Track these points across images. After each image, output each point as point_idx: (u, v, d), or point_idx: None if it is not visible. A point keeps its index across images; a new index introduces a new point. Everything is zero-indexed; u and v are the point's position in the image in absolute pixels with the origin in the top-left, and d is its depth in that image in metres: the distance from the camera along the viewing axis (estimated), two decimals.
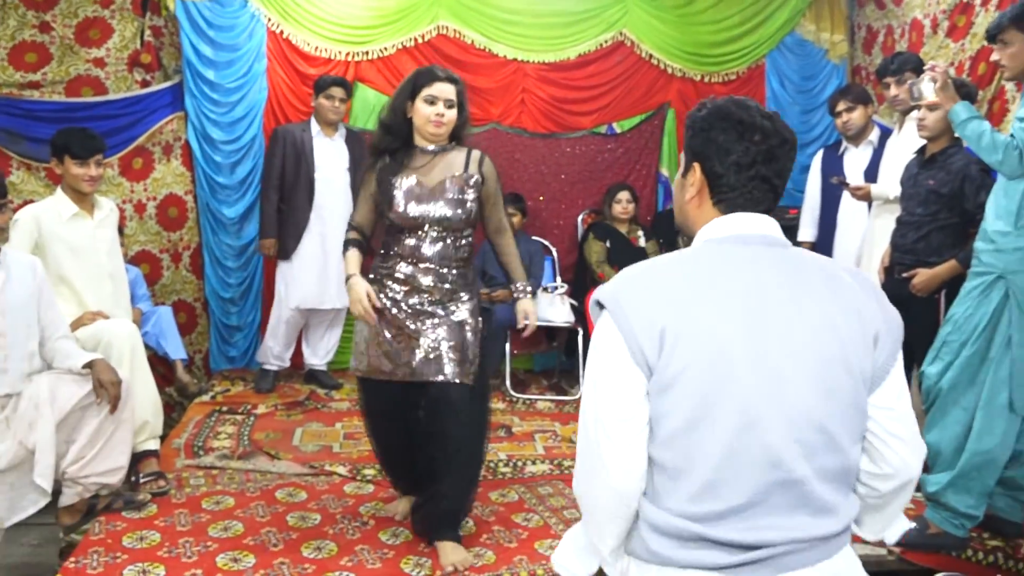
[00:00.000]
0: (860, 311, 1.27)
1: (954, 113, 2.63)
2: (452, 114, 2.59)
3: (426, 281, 2.62)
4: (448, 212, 2.59)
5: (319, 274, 4.27)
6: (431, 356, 2.58)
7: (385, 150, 2.66)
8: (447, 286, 2.63)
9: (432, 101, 2.55)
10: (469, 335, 2.63)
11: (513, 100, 4.93)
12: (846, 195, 3.87)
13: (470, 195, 2.62)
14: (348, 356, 4.68)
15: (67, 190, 3.16)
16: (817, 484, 1.24)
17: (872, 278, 3.45)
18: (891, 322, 1.31)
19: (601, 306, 1.30)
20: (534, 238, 4.90)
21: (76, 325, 3.02)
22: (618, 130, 5.11)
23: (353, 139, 4.37)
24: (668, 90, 5.10)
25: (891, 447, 1.31)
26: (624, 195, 4.71)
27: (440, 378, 2.56)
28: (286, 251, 4.27)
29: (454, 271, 2.65)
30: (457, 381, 2.57)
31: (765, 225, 1.34)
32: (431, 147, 2.64)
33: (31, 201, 4.10)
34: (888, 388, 1.29)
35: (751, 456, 1.22)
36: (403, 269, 2.63)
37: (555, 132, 5.01)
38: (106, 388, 2.62)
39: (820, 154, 4.28)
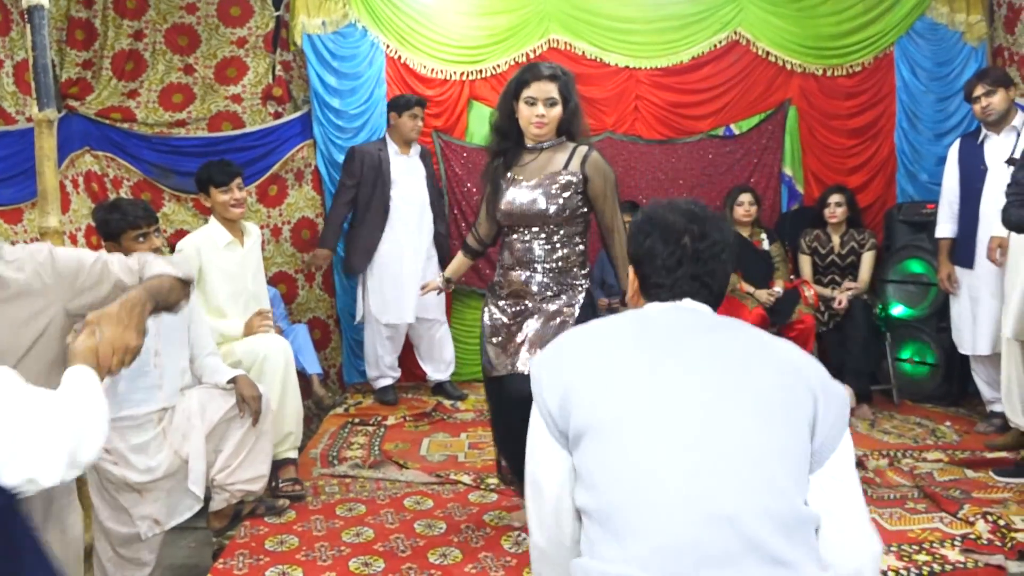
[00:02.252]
0: (797, 366, 1.28)
1: None
2: (554, 112, 2.57)
3: (523, 277, 2.64)
4: (543, 208, 2.57)
5: (396, 289, 4.37)
6: (512, 350, 2.65)
7: (498, 152, 2.72)
8: (547, 286, 2.63)
9: (532, 102, 2.56)
10: (553, 330, 2.60)
11: (627, 108, 4.91)
12: (988, 186, 3.61)
13: (567, 192, 2.58)
14: (470, 368, 4.83)
15: (219, 219, 3.41)
16: (760, 527, 1.15)
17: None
18: (831, 395, 1.26)
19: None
20: None
21: (247, 330, 3.33)
22: (736, 131, 4.99)
23: (427, 156, 4.50)
24: (788, 87, 4.93)
25: (829, 537, 1.23)
26: (746, 197, 4.59)
27: (508, 371, 2.63)
28: (353, 267, 4.43)
29: (552, 271, 2.64)
30: (522, 371, 2.58)
31: (694, 304, 1.39)
32: (534, 144, 2.65)
33: (182, 231, 4.48)
34: (829, 471, 1.23)
35: (663, 491, 1.19)
36: (510, 273, 2.68)
37: (671, 137, 4.95)
38: (248, 403, 2.81)
39: (957, 144, 4.01)
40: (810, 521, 1.20)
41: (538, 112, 2.55)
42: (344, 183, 4.39)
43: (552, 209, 2.58)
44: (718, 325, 1.37)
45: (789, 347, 1.33)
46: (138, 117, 4.42)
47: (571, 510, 1.30)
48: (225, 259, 3.36)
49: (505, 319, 2.69)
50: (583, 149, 2.62)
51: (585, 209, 2.64)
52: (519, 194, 2.62)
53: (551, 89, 2.55)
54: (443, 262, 4.41)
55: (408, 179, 4.39)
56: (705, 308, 1.40)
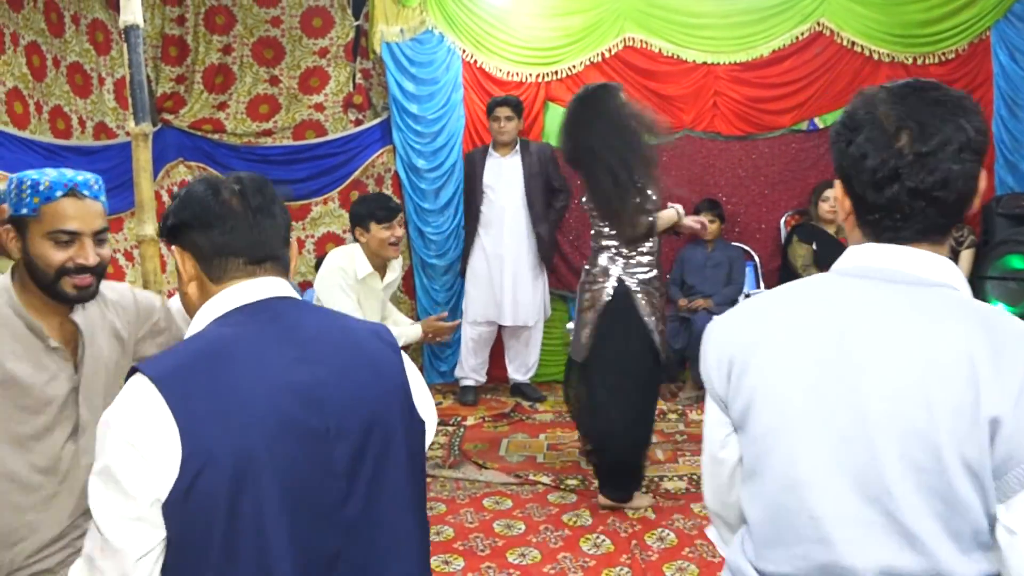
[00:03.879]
0: (977, 382, 0.93)
1: None
2: None
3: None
4: None
5: (489, 290, 4.44)
6: None
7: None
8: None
9: None
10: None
11: (705, 104, 4.83)
12: None
13: None
14: (552, 369, 4.83)
15: (367, 253, 3.18)
16: None
17: None
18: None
19: None
20: (734, 244, 4.75)
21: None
22: (820, 125, 4.83)
23: (528, 154, 4.44)
24: (876, 77, 4.73)
25: None
26: (832, 193, 4.44)
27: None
28: (459, 270, 4.60)
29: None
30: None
31: (901, 258, 1.05)
32: None
33: None
34: (1018, 507, 0.94)
35: (794, 522, 1.03)
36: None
37: (751, 133, 4.84)
38: None
39: None
40: None
41: None
42: (465, 190, 4.60)
43: None
44: (910, 310, 1.02)
45: (980, 353, 0.96)
46: (227, 128, 4.60)
47: (727, 479, 1.21)
48: (359, 288, 3.18)
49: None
50: None
51: None
52: None
53: None
54: (546, 265, 4.53)
55: (499, 181, 4.43)
56: (913, 264, 1.04)
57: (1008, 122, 4.66)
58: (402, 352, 1.28)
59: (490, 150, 4.47)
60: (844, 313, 1.05)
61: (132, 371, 1.10)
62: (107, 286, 1.69)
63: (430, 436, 1.28)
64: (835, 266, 1.14)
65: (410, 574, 1.20)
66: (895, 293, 1.04)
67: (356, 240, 3.19)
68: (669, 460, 3.67)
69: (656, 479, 3.39)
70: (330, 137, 4.71)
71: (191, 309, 1.25)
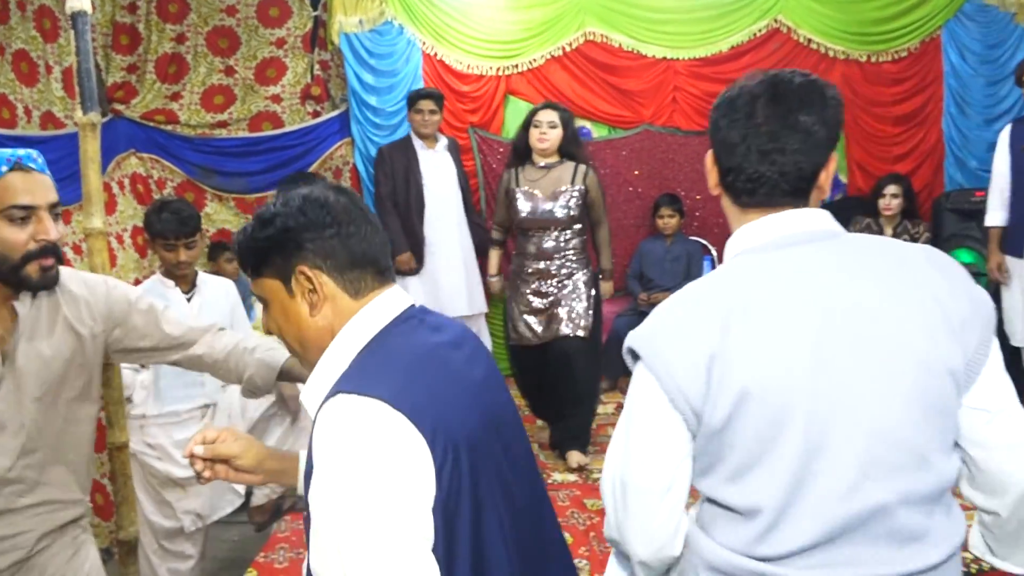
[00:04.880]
0: (938, 297, 1.07)
1: None
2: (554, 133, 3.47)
3: (546, 265, 3.55)
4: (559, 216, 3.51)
5: (437, 284, 4.31)
6: (555, 321, 3.53)
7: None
8: (564, 269, 3.55)
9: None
10: (583, 299, 3.54)
11: (664, 99, 4.86)
12: None
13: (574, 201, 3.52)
14: (502, 364, 4.82)
15: None
16: (903, 511, 1.05)
17: None
18: (978, 304, 1.09)
19: (635, 355, 1.13)
20: (692, 238, 4.79)
21: None
22: None
23: (454, 149, 4.41)
24: (831, 74, 4.80)
25: (993, 457, 1.09)
26: None
27: (561, 333, 3.50)
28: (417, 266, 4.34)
29: (569, 255, 3.55)
30: (572, 334, 3.50)
31: (808, 220, 1.14)
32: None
33: (225, 230, 4.56)
34: (983, 385, 1.08)
35: (821, 487, 1.05)
36: (535, 263, 3.57)
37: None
38: (287, 402, 2.85)
39: (1008, 129, 3.88)
40: (952, 484, 1.11)
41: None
42: (380, 185, 4.33)
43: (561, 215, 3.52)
44: (854, 260, 1.10)
45: (925, 270, 1.10)
46: (181, 119, 4.50)
47: (682, 509, 1.14)
48: None
49: (540, 299, 3.57)
50: (583, 167, 3.54)
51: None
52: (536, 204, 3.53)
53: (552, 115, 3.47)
54: (479, 251, 4.42)
55: (437, 172, 4.34)
56: (819, 222, 1.14)
57: (957, 119, 4.77)
58: None
59: (419, 143, 4.31)
60: (802, 277, 1.09)
61: (330, 397, 1.01)
62: (76, 279, 1.61)
63: None
64: (739, 247, 1.17)
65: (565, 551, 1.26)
66: (830, 248, 1.12)
67: None
68: None
69: None
70: (287, 129, 4.64)
71: (313, 341, 1.11)
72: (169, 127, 4.49)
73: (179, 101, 4.52)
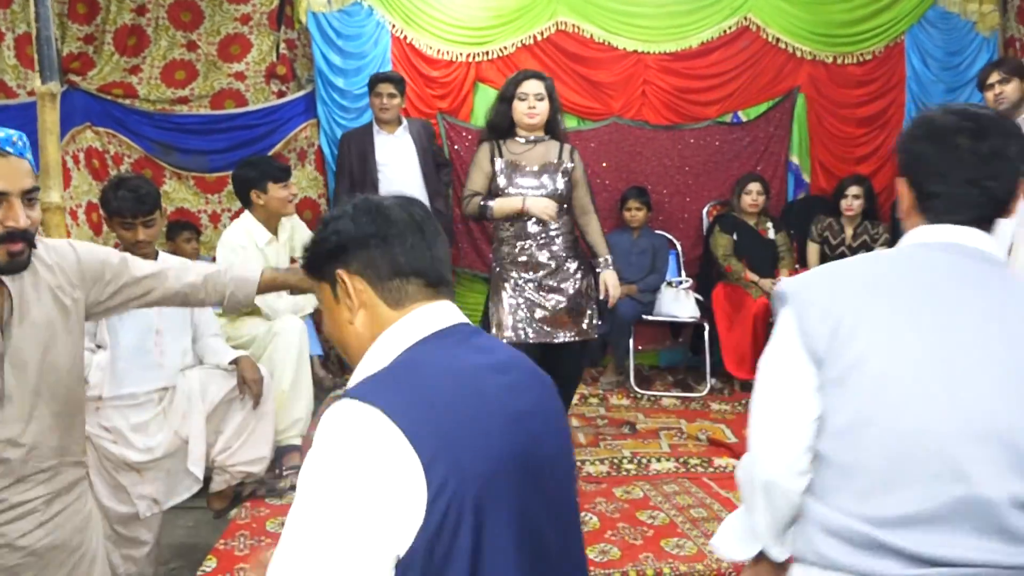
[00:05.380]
0: None
1: None
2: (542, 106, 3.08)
3: (541, 256, 3.15)
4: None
5: None
6: (555, 321, 3.16)
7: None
8: (559, 256, 3.17)
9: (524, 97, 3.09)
10: (582, 300, 3.20)
11: (634, 93, 4.86)
12: None
13: (565, 178, 3.16)
14: None
15: (259, 217, 3.37)
16: (1013, 512, 1.11)
17: None
18: None
19: (783, 301, 1.28)
20: (658, 232, 4.82)
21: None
22: (744, 118, 4.94)
23: (424, 131, 4.36)
24: (798, 74, 4.89)
25: None
26: (755, 186, 4.54)
27: (562, 339, 3.16)
28: None
29: (563, 240, 3.18)
30: (576, 339, 3.18)
31: (974, 238, 1.25)
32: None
33: (183, 208, 4.43)
34: None
35: (924, 463, 1.13)
36: (526, 248, 3.16)
37: (678, 123, 4.90)
38: (249, 385, 2.79)
39: None
40: None
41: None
42: (339, 171, 4.33)
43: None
44: (1000, 286, 1.22)
45: None
46: (140, 93, 4.37)
47: (801, 441, 1.23)
48: (264, 257, 3.31)
49: (543, 295, 3.16)
50: (568, 146, 3.23)
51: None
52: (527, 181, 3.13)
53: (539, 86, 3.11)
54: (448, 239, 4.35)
55: (394, 158, 4.27)
56: (984, 243, 1.26)
57: None
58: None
59: (376, 128, 4.28)
60: (945, 280, 1.22)
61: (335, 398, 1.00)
62: (45, 246, 1.58)
63: None
64: (910, 240, 1.30)
65: None
66: (981, 269, 1.23)
67: (246, 207, 3.38)
68: (591, 444, 3.70)
69: (578, 463, 3.41)
70: (251, 108, 4.53)
71: (353, 347, 1.11)
72: (127, 101, 4.35)
73: (138, 75, 4.38)
